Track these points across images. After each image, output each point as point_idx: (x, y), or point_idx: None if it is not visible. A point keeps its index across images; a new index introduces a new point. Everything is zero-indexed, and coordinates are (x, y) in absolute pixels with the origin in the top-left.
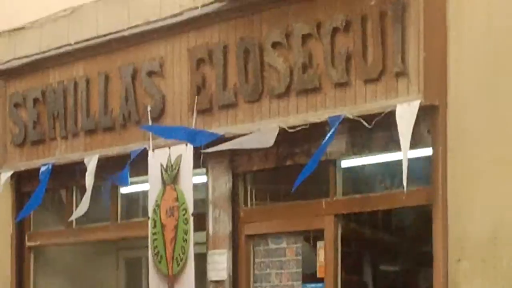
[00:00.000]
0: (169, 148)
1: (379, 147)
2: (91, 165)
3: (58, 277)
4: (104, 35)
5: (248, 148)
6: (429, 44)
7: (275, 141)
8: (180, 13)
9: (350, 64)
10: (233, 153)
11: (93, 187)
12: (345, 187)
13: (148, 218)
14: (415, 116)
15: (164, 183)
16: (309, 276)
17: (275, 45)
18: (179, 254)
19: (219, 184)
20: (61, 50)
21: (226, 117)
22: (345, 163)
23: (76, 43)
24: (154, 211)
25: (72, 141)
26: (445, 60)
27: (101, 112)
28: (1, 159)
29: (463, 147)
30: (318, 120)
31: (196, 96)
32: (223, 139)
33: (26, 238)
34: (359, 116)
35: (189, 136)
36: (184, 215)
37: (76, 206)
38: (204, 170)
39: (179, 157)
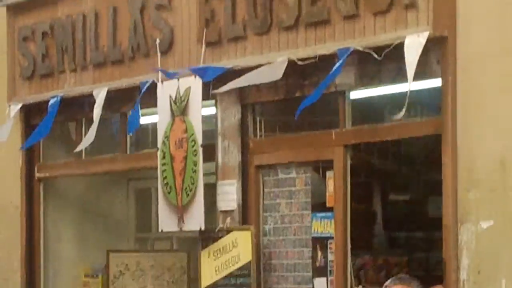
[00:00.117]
0: (178, 80)
1: (388, 79)
2: (100, 97)
3: (68, 208)
4: None
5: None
6: None
7: (284, 73)
8: None
9: None
10: None
11: (103, 119)
12: (354, 118)
13: (157, 149)
14: (422, 47)
15: (173, 114)
16: (319, 205)
17: None
18: (188, 185)
19: (228, 115)
20: None
21: (235, 50)
22: (354, 94)
23: None
24: (163, 142)
25: (81, 74)
26: None
27: (110, 45)
28: (10, 92)
29: (472, 76)
30: (327, 53)
31: (205, 29)
32: (231, 72)
33: (36, 169)
34: (368, 48)
35: (198, 71)
36: (193, 146)
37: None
38: (213, 101)
39: (188, 89)
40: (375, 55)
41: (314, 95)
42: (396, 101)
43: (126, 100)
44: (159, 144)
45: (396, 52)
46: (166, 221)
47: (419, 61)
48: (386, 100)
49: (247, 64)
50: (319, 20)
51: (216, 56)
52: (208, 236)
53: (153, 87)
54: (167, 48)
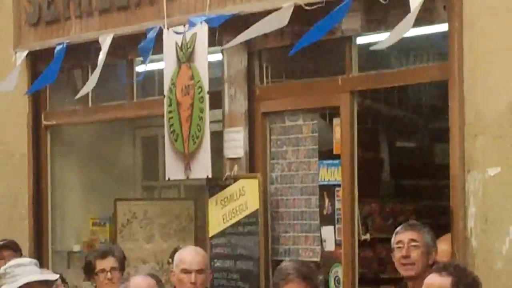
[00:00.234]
0: (184, 26)
1: (394, 24)
2: (106, 44)
3: (75, 156)
4: None
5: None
6: None
7: (291, 19)
8: None
9: None
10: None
11: (109, 66)
12: (361, 64)
13: (164, 96)
14: None
15: (179, 61)
16: (326, 152)
17: None
18: (195, 132)
19: (235, 62)
20: None
21: None
22: (361, 39)
23: None
24: (170, 89)
25: (86, 21)
26: None
27: None
28: (16, 39)
29: (479, 22)
30: None
31: None
32: (237, 18)
33: (43, 117)
34: None
35: (204, 18)
36: (199, 93)
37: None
38: (219, 48)
39: (194, 35)
40: (381, 0)
41: (313, 33)
42: (403, 46)
43: (132, 47)
44: (166, 91)
45: None
46: (173, 169)
47: (425, 6)
48: (393, 46)
49: (252, 9)
50: None
51: (222, 2)
52: (216, 184)
53: (159, 33)
54: None
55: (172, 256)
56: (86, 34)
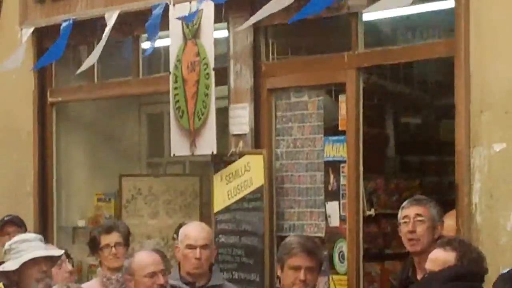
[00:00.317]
0: (190, 2)
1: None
2: (112, 20)
3: (80, 133)
4: None
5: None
6: None
7: None
8: None
9: None
10: (254, 6)
11: (115, 42)
12: (367, 40)
13: (170, 73)
14: None
15: (185, 38)
16: (331, 129)
17: None
18: (200, 109)
19: (240, 38)
20: None
21: None
22: (367, 16)
23: None
24: (176, 66)
25: None
26: None
27: None
28: (22, 15)
29: None
30: None
31: None
32: None
33: (48, 94)
34: None
35: None
36: (205, 69)
37: (97, 62)
38: (225, 24)
39: (200, 12)
40: None
41: (315, 4)
42: (409, 23)
43: (138, 23)
44: (171, 68)
45: None
46: (178, 145)
47: None
48: (399, 22)
49: None
50: None
51: None
52: (221, 160)
53: (165, 9)
54: None
55: (177, 232)
56: (92, 10)
